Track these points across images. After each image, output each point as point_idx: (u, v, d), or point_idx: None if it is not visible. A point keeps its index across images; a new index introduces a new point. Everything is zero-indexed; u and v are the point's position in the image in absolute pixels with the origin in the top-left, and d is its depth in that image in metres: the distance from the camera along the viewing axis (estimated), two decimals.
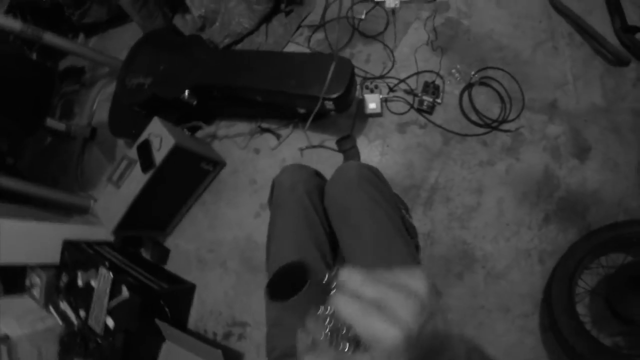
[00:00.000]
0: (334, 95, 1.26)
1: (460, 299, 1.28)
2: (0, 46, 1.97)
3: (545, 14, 1.48)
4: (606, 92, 1.37)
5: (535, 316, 1.23)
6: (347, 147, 1.38)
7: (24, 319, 1.35)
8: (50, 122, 1.80)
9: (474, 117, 1.41)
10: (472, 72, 1.43)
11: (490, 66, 1.44)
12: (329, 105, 1.30)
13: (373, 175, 0.90)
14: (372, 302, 0.34)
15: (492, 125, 1.38)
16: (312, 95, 1.28)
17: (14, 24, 1.61)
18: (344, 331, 0.37)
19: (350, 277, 0.37)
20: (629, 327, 1.14)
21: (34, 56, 2.08)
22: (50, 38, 1.68)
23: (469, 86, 1.43)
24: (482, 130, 1.39)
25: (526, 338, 1.22)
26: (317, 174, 1.00)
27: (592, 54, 1.41)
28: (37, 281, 1.44)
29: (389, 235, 0.83)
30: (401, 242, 0.83)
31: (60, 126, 1.85)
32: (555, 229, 1.28)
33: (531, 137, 1.36)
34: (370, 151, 1.47)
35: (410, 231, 1.07)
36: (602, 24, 1.40)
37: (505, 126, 1.38)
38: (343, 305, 0.35)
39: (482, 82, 1.43)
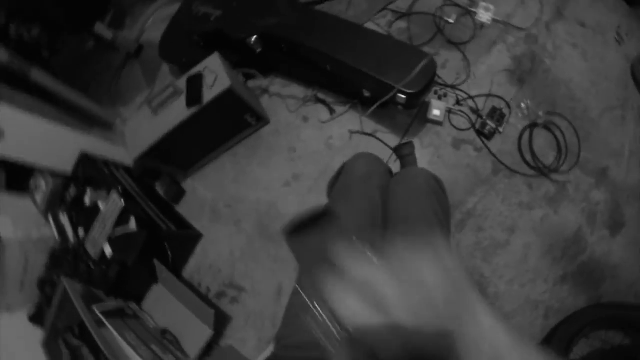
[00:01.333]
0: (411, 91, 1.21)
1: None
2: None
3: (623, 81, 1.48)
4: None
5: None
6: (406, 153, 1.34)
7: (20, 221, 1.24)
8: (99, 27, 1.64)
9: (528, 157, 1.39)
10: (540, 113, 1.41)
11: (559, 113, 1.42)
12: (400, 98, 1.25)
13: (440, 188, 0.85)
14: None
15: (542, 171, 1.37)
16: (388, 82, 1.22)
17: None
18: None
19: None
20: None
21: None
22: None
23: (533, 125, 1.41)
24: (532, 172, 1.38)
25: None
26: (390, 172, 0.95)
27: None
28: (42, 185, 1.32)
29: None
30: None
31: (108, 34, 1.68)
32: (568, 290, 1.29)
33: (574, 195, 1.37)
34: (420, 156, 1.42)
35: None
36: None
37: (554, 176, 1.37)
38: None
39: (546, 126, 1.41)
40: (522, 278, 1.31)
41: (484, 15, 1.50)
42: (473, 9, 1.52)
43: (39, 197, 1.33)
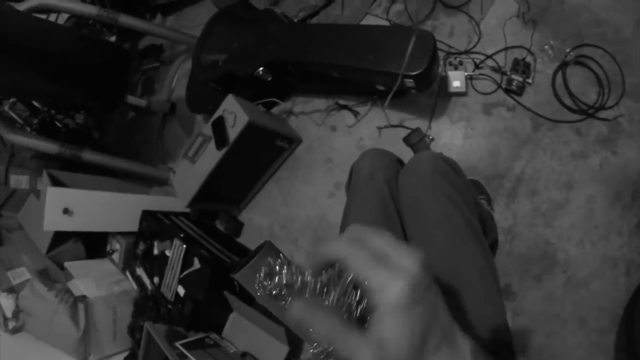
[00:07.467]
0: (415, 73, 1.17)
1: (534, 304, 1.18)
2: (78, 31, 2.08)
3: None
4: None
5: (612, 334, 1.08)
6: (415, 141, 1.30)
7: (102, 281, 1.45)
8: (131, 99, 1.88)
9: (567, 101, 1.25)
10: (567, 49, 1.26)
11: (587, 43, 1.26)
12: (409, 83, 1.22)
13: (449, 168, 0.82)
14: (376, 253, 0.34)
15: (587, 112, 1.22)
16: (390, 71, 1.20)
17: (91, 9, 1.67)
18: (343, 280, 0.36)
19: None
20: None
21: (114, 38, 2.16)
22: (125, 20, 1.71)
23: (564, 65, 1.26)
24: (576, 116, 1.23)
25: (598, 356, 1.09)
26: (399, 161, 0.94)
27: None
28: (117, 247, 1.55)
29: (463, 239, 0.76)
30: (476, 245, 0.77)
31: (141, 102, 1.92)
32: None
33: (631, 128, 1.18)
34: (452, 133, 1.37)
35: (488, 225, 0.98)
36: None
37: (602, 114, 1.21)
38: (347, 251, 0.35)
39: (578, 62, 1.25)
40: (592, 236, 1.16)
41: None
42: None
43: (116, 257, 1.56)
